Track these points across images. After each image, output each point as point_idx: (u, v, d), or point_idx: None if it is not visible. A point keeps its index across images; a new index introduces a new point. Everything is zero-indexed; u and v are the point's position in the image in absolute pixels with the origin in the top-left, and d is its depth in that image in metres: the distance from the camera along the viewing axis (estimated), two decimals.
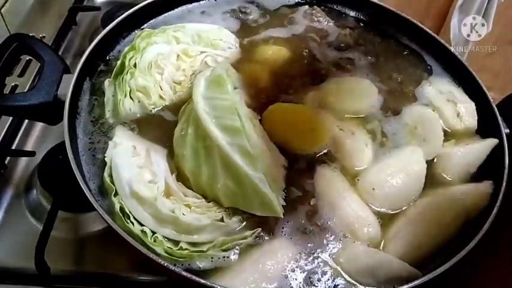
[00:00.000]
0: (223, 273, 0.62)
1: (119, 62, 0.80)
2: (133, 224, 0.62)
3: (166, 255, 0.61)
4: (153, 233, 0.62)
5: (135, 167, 0.67)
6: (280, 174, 0.70)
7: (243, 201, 0.65)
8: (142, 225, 0.63)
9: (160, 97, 0.79)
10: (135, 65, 0.77)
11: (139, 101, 0.77)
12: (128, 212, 0.63)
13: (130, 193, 0.64)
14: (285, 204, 0.67)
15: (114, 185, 0.65)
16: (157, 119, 0.78)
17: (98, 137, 0.75)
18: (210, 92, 0.69)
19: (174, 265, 0.60)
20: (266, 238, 0.66)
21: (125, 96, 0.76)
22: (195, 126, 0.67)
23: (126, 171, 0.66)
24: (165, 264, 0.58)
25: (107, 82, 0.80)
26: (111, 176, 0.67)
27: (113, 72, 0.80)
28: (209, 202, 0.67)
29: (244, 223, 0.67)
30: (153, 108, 0.78)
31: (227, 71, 0.71)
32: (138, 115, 0.78)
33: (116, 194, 0.65)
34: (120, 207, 0.63)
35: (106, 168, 0.68)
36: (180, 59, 0.83)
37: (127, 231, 0.61)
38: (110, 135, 0.75)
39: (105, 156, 0.69)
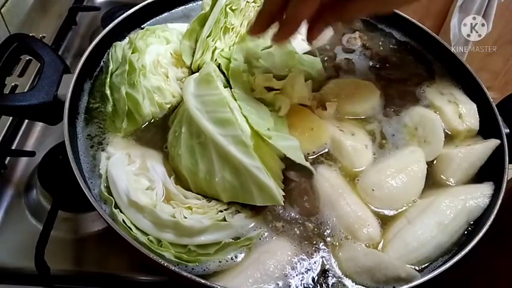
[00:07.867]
0: (223, 273, 0.63)
1: (126, 66, 0.76)
2: (137, 234, 0.62)
3: (175, 259, 0.61)
4: (159, 240, 0.62)
5: (131, 175, 0.67)
6: (277, 165, 0.70)
7: (241, 193, 0.64)
8: (147, 234, 0.63)
9: (172, 95, 0.80)
10: (143, 66, 0.76)
11: (157, 102, 0.77)
12: (130, 224, 0.63)
13: (129, 203, 0.64)
14: (284, 194, 0.66)
15: (112, 196, 0.65)
16: (151, 124, 0.78)
17: (98, 137, 0.75)
18: (199, 90, 0.69)
19: (177, 265, 0.60)
20: (266, 238, 0.66)
21: (143, 98, 0.75)
22: (188, 124, 0.67)
23: (122, 180, 0.65)
24: (165, 264, 0.58)
25: (114, 82, 0.77)
26: (108, 187, 0.66)
27: (119, 75, 0.77)
28: (210, 202, 0.67)
29: (247, 222, 0.66)
30: (169, 107, 0.79)
31: (215, 71, 0.71)
32: (159, 116, 0.78)
33: (116, 206, 0.64)
34: (122, 219, 0.63)
35: (102, 180, 0.67)
36: (174, 57, 0.84)
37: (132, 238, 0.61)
38: (110, 134, 0.75)
39: (100, 168, 0.69)
